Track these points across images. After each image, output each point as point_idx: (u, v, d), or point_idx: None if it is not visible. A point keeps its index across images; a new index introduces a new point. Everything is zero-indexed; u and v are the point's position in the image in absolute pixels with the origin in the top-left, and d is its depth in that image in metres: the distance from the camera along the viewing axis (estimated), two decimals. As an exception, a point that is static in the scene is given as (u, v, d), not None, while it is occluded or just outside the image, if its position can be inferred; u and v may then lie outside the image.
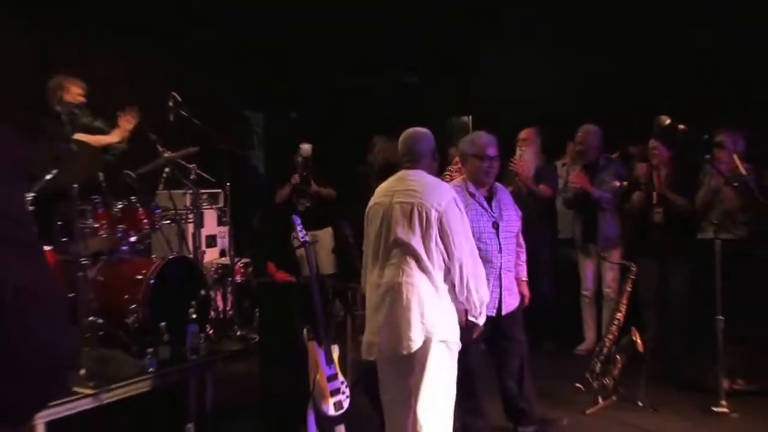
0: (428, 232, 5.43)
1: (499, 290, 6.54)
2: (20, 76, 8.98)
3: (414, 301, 5.45)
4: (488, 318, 6.19)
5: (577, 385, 7.68)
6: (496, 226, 6.52)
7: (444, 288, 5.49)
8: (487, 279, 6.22)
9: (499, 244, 6.53)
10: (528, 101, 11.04)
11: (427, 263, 5.45)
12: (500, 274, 6.55)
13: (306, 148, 10.59)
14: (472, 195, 6.55)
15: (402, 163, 5.87)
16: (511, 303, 6.69)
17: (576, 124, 9.37)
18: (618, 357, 7.62)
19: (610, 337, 7.79)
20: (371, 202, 5.80)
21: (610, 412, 7.41)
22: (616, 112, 10.06)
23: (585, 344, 9.44)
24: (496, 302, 6.52)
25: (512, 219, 6.75)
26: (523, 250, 7.05)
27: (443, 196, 5.50)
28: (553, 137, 9.21)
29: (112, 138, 7.87)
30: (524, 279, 7.02)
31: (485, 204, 6.58)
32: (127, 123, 7.92)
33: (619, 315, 7.84)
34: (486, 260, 6.29)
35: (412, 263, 5.48)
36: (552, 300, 7.73)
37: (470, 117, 12.58)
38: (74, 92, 7.80)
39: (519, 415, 6.83)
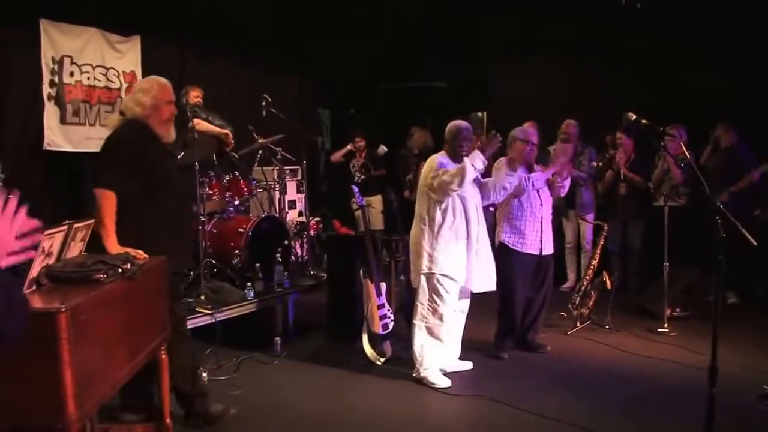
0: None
1: (540, 235, 6.63)
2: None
3: (413, 246, 5.99)
4: (532, 256, 6.61)
5: (562, 313, 7.88)
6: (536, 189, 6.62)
7: (427, 235, 5.84)
8: (532, 226, 6.58)
9: (540, 200, 6.62)
10: (528, 100, 11.03)
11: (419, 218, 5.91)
12: (542, 223, 6.63)
13: (382, 149, 10.76)
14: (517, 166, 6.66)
15: None
16: (549, 247, 6.74)
17: (564, 118, 9.41)
18: (592, 292, 7.74)
19: (587, 277, 7.88)
20: None
21: (586, 333, 7.47)
22: (596, 110, 10.13)
23: (568, 283, 9.54)
24: (539, 244, 6.65)
25: (545, 186, 6.78)
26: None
27: (425, 172, 5.91)
28: (548, 128, 9.28)
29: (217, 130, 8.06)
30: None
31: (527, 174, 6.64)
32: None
33: (593, 262, 7.93)
34: (529, 210, 6.59)
35: (416, 219, 5.96)
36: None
37: (485, 113, 12.63)
38: (194, 96, 7.98)
39: (522, 342, 6.93)
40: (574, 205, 9.42)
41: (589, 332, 7.54)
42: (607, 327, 7.60)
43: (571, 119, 9.30)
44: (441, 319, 5.92)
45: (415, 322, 6.00)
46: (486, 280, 6.08)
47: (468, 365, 6.29)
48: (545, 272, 6.82)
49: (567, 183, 6.91)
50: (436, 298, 5.88)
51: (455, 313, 6.07)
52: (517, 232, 6.63)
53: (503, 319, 6.81)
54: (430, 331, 5.94)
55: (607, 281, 7.70)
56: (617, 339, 7.28)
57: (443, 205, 5.81)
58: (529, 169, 6.72)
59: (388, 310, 6.57)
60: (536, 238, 6.63)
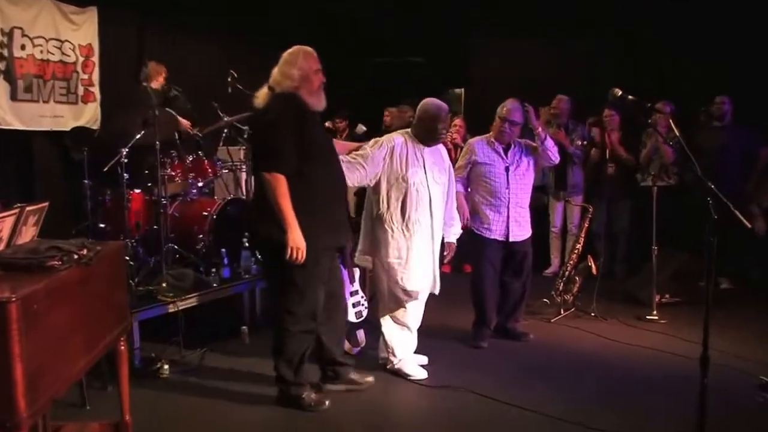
0: None
1: (507, 221, 6.58)
2: (123, 56, 9.17)
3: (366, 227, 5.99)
4: (498, 242, 6.58)
5: (545, 300, 7.87)
6: (506, 169, 6.55)
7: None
8: (498, 210, 6.54)
9: (508, 183, 6.54)
10: (510, 76, 11.03)
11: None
12: (508, 207, 6.57)
13: (360, 128, 10.72)
14: (492, 144, 6.63)
15: None
16: (518, 234, 6.66)
17: (547, 94, 9.44)
18: (577, 278, 7.76)
19: (571, 262, 7.89)
20: None
21: (570, 321, 7.49)
22: (580, 87, 10.14)
23: (551, 268, 9.61)
24: (505, 230, 6.60)
25: (524, 166, 6.68)
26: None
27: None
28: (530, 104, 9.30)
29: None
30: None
31: (501, 153, 6.60)
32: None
33: (578, 245, 7.94)
34: (494, 194, 6.55)
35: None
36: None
37: (463, 89, 12.62)
38: (157, 72, 8.00)
39: (503, 330, 6.96)
40: (564, 185, 9.44)
41: (574, 320, 7.57)
42: (592, 314, 7.63)
43: (563, 95, 9.35)
44: (402, 304, 5.90)
45: (379, 311, 6.01)
46: (420, 279, 5.90)
47: (423, 359, 6.21)
48: (521, 259, 6.81)
49: (549, 144, 6.69)
50: (393, 283, 5.83)
51: (416, 302, 6.00)
52: (481, 218, 6.65)
53: (476, 307, 6.83)
54: (395, 319, 5.94)
55: (593, 266, 7.74)
56: (603, 327, 7.31)
57: (396, 194, 5.73)
58: (507, 145, 6.68)
59: (362, 297, 6.51)
60: (502, 224, 6.61)
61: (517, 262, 6.80)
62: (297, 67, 4.94)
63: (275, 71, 5.04)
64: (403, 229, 5.68)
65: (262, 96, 5.06)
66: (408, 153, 5.70)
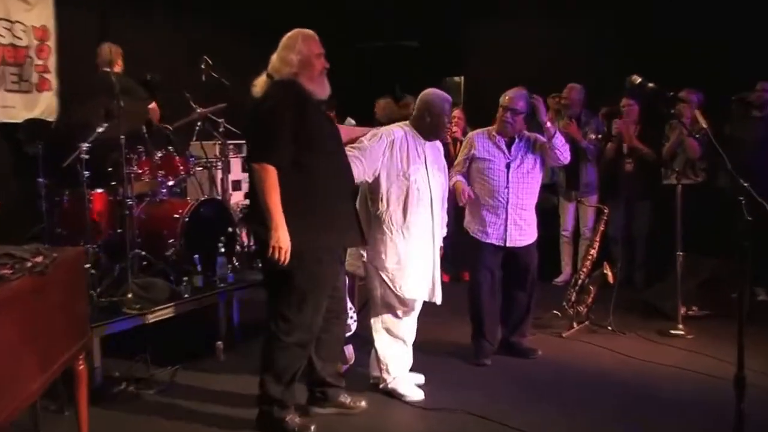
0: None
1: (504, 223, 6.53)
2: (82, 41, 9.02)
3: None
4: (495, 247, 6.54)
5: (555, 312, 7.86)
6: (507, 166, 6.49)
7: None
8: (495, 212, 6.50)
9: (507, 181, 6.49)
10: (514, 63, 11.04)
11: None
12: (507, 209, 6.51)
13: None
14: (493, 137, 6.58)
15: None
16: (517, 238, 6.58)
17: (555, 83, 9.47)
18: (591, 287, 7.71)
19: (584, 270, 7.83)
20: None
21: (584, 336, 7.45)
22: (590, 76, 10.12)
23: (562, 276, 9.58)
24: (502, 234, 6.55)
25: (530, 163, 6.60)
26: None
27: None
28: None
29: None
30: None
31: (503, 147, 6.54)
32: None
33: (592, 251, 7.88)
34: (492, 194, 6.50)
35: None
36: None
37: (462, 78, 12.61)
38: (117, 54, 7.94)
39: (507, 346, 6.91)
40: (576, 184, 9.40)
41: (588, 334, 7.54)
42: (609, 328, 7.61)
43: (574, 83, 9.33)
44: (398, 315, 5.85)
45: (371, 323, 5.92)
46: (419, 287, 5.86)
47: (419, 379, 6.16)
48: (524, 266, 6.77)
49: (558, 143, 6.55)
50: (388, 291, 5.76)
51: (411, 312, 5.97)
52: (478, 219, 6.63)
53: (473, 319, 6.79)
54: (389, 332, 5.87)
55: (609, 274, 7.69)
56: (620, 342, 7.27)
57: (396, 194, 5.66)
58: (510, 138, 6.62)
59: (351, 308, 6.46)
60: (500, 227, 6.57)
61: (520, 270, 6.77)
62: (296, 51, 4.96)
63: (274, 57, 5.05)
64: (403, 231, 5.63)
65: (260, 84, 5.05)
66: (409, 147, 5.67)
